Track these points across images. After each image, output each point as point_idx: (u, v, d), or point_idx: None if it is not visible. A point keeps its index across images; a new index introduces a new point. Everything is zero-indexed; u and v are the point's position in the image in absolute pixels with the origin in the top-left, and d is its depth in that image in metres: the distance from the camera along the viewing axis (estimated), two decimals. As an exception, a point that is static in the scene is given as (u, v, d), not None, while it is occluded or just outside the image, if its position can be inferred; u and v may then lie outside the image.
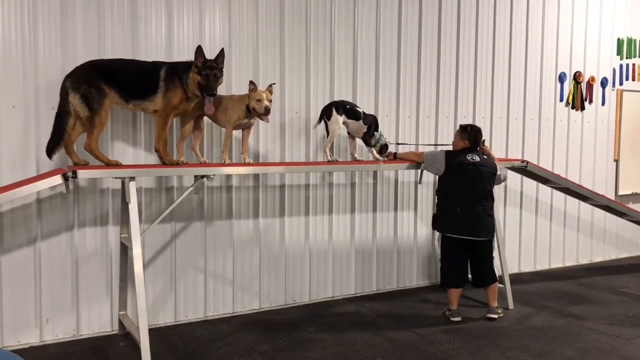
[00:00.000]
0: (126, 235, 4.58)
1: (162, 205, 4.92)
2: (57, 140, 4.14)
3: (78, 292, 4.67)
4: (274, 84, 4.82)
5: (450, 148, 5.36)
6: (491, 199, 5.09)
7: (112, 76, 4.16)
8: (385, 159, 5.30)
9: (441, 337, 4.75)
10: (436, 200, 5.36)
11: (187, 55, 4.82)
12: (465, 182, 5.00)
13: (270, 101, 4.49)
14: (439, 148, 5.72)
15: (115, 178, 4.41)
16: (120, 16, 4.66)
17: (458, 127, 5.37)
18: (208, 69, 4.22)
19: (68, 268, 4.62)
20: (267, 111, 4.43)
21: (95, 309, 4.74)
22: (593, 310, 5.47)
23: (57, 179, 3.91)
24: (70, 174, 3.92)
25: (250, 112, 4.51)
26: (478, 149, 5.19)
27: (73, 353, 4.37)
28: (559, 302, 5.74)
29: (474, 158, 5.07)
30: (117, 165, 4.23)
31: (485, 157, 5.19)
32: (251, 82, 4.52)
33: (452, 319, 5.17)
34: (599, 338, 4.72)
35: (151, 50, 4.77)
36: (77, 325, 4.68)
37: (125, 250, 4.64)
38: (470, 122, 6.45)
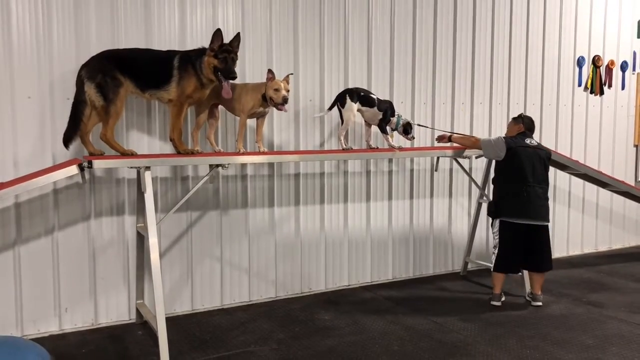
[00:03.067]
0: (142, 224, 4.59)
1: (177, 195, 4.93)
2: (73, 130, 4.15)
3: (96, 282, 4.70)
4: (292, 74, 4.78)
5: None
6: (547, 182, 5.16)
7: (127, 66, 4.16)
8: (413, 140, 5.40)
9: (458, 325, 4.72)
10: (493, 188, 5.36)
11: (201, 43, 4.79)
12: (528, 165, 5.04)
13: (288, 91, 4.46)
14: (455, 133, 5.69)
15: (131, 168, 4.41)
16: (133, 6, 4.64)
17: (510, 120, 5.47)
18: (225, 53, 4.20)
19: (85, 258, 4.65)
20: (285, 101, 4.41)
21: (113, 299, 4.78)
22: (612, 298, 5.40)
23: (73, 169, 3.93)
24: (85, 164, 3.93)
25: (266, 101, 4.48)
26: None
27: (92, 341, 4.41)
28: (578, 289, 5.68)
29: (532, 142, 5.17)
30: (132, 154, 4.23)
31: (536, 142, 5.23)
32: (269, 71, 4.49)
33: (493, 302, 5.19)
34: (619, 326, 4.66)
35: (164, 40, 4.75)
36: (95, 314, 4.72)
37: (141, 239, 4.66)
38: (487, 108, 6.39)
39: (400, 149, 5.24)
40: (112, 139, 4.19)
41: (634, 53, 7.46)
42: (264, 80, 4.53)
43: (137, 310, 4.77)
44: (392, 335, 4.50)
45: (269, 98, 4.45)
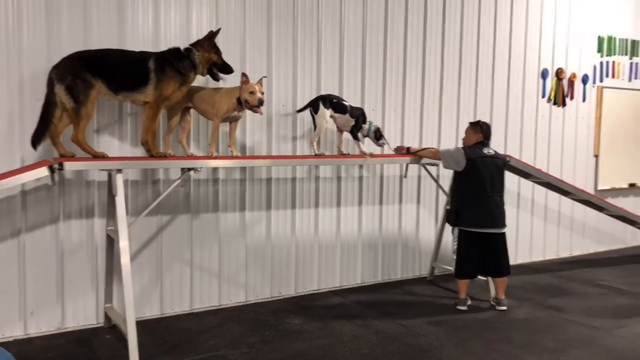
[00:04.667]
0: (113, 227, 4.55)
1: (148, 198, 4.90)
2: (42, 131, 4.10)
3: (63, 285, 4.64)
4: (265, 77, 4.83)
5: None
6: (504, 189, 5.32)
7: (99, 67, 4.13)
8: (384, 145, 5.44)
9: (426, 329, 4.81)
10: (451, 197, 5.49)
11: (173, 44, 4.79)
12: (487, 175, 5.15)
13: (263, 93, 4.50)
14: (427, 143, 5.83)
15: (102, 170, 4.37)
16: (106, 6, 4.61)
17: (468, 124, 5.51)
18: (217, 49, 4.40)
19: (53, 261, 4.59)
20: (260, 103, 4.45)
21: (81, 302, 4.71)
22: (573, 303, 5.59)
23: (43, 171, 3.89)
24: (56, 165, 3.90)
25: (240, 105, 4.51)
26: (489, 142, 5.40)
27: (58, 346, 4.35)
28: (540, 294, 5.85)
29: (489, 151, 5.26)
30: (104, 157, 4.20)
31: (493, 151, 5.34)
32: (243, 74, 4.52)
33: (458, 307, 5.31)
34: (579, 329, 4.82)
35: (138, 41, 4.73)
36: (62, 318, 4.65)
37: (111, 242, 4.62)
38: (454, 117, 6.54)
39: (372, 155, 5.33)
40: (83, 141, 4.15)
41: (594, 67, 7.74)
42: (238, 83, 4.57)
43: (106, 314, 4.72)
44: (362, 339, 4.57)
45: (244, 101, 4.48)
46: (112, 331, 4.65)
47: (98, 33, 4.59)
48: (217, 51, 4.44)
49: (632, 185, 8.17)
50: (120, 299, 4.80)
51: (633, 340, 4.57)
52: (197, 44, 4.42)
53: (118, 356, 4.15)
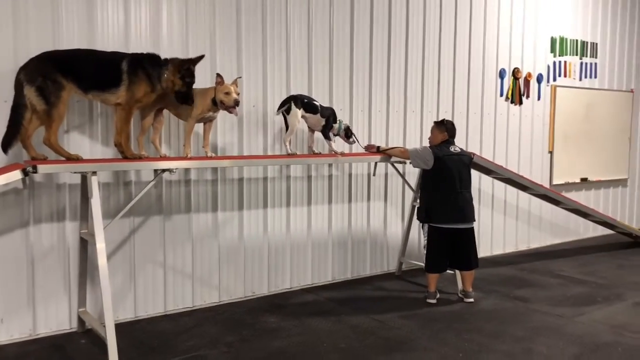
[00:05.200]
0: (86, 230, 4.50)
1: (120, 200, 4.85)
2: (13, 134, 4.01)
3: (34, 290, 4.54)
4: (240, 77, 4.85)
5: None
6: (471, 185, 5.51)
7: (69, 67, 4.06)
8: (354, 143, 5.55)
9: (399, 322, 4.94)
10: (420, 194, 5.64)
11: (144, 45, 4.78)
12: (455, 172, 5.32)
13: (239, 94, 4.53)
14: (393, 143, 5.97)
15: (75, 173, 4.31)
16: (75, 5, 4.53)
17: (433, 123, 5.66)
18: (190, 77, 4.28)
19: (23, 266, 4.49)
20: (236, 104, 4.47)
21: (53, 307, 4.63)
22: (535, 293, 5.84)
23: (17, 174, 3.80)
24: (30, 168, 3.82)
25: (215, 105, 4.52)
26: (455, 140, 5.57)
27: (32, 352, 4.26)
28: (504, 286, 6.08)
29: (455, 149, 5.43)
30: (78, 159, 4.15)
31: (459, 148, 5.52)
32: (218, 75, 4.54)
33: (428, 300, 5.46)
34: (543, 318, 5.05)
35: (108, 40, 4.67)
36: (34, 324, 4.55)
37: (84, 245, 4.56)
38: (419, 116, 6.71)
39: (343, 154, 5.42)
40: (56, 144, 4.08)
41: (548, 67, 8.07)
42: (210, 84, 4.58)
43: (80, 318, 4.65)
44: (338, 333, 4.66)
45: (219, 102, 4.49)
46: (86, 336, 4.58)
47: (67, 33, 4.51)
48: (185, 79, 4.28)
49: (583, 179, 8.57)
50: (94, 303, 4.75)
51: (594, 326, 4.83)
52: (171, 62, 4.34)
53: (96, 360, 4.11)
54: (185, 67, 4.27)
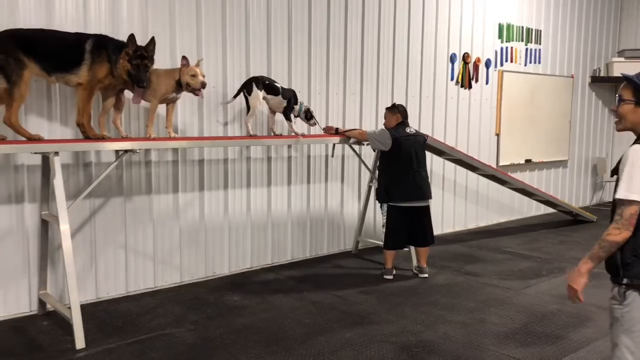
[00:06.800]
0: (47, 212, 4.45)
1: (80, 181, 4.81)
2: (-29, 114, 3.92)
3: (-8, 273, 4.47)
4: (202, 59, 4.86)
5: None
6: (426, 164, 5.71)
7: (32, 47, 4.00)
8: (315, 125, 5.67)
9: (359, 297, 5.13)
10: (379, 175, 5.79)
11: (103, 27, 4.72)
12: (411, 152, 5.51)
13: (204, 76, 4.55)
14: (351, 126, 6.14)
15: (36, 153, 4.25)
16: (31, -17, 4.44)
17: (385, 109, 5.83)
18: (139, 59, 4.21)
19: (-19, 248, 4.41)
20: (203, 86, 4.50)
21: (12, 290, 4.57)
22: (485, 268, 6.15)
23: (-24, 155, 3.73)
24: (-10, 148, 3.75)
25: (180, 87, 4.53)
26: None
27: (-7, 335, 4.21)
28: (456, 262, 6.37)
29: (410, 130, 5.62)
30: (39, 139, 4.09)
31: (414, 129, 5.70)
32: (184, 57, 4.54)
33: (385, 276, 5.66)
34: (494, 291, 5.35)
35: (66, 21, 4.59)
36: (-8, 307, 4.49)
37: (45, 227, 4.51)
38: (374, 99, 6.88)
39: (304, 135, 5.53)
40: (17, 124, 4.02)
41: (496, 52, 8.39)
42: (169, 65, 4.57)
43: (40, 301, 4.61)
44: (301, 309, 4.80)
45: (185, 84, 4.51)
46: (48, 318, 4.56)
47: (23, 10, 4.40)
48: (133, 62, 4.21)
49: (527, 161, 8.99)
50: (54, 285, 4.72)
51: (540, 297, 5.16)
52: (125, 46, 4.27)
53: (61, 341, 4.10)
54: (133, 50, 4.22)
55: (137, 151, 4.45)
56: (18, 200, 4.54)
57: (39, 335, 4.24)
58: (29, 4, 4.44)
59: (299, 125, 5.74)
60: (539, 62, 9.08)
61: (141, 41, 4.40)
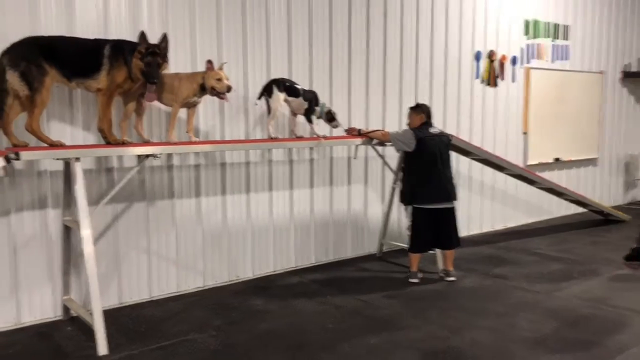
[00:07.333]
0: (69, 218, 4.46)
1: (102, 187, 4.81)
2: (-5, 120, 3.94)
3: (17, 279, 4.50)
4: (225, 62, 4.82)
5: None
6: (451, 165, 5.60)
7: (52, 53, 4.01)
8: (337, 127, 5.59)
9: (383, 301, 5.04)
10: (403, 177, 5.70)
11: (124, 32, 4.71)
12: (435, 152, 5.40)
13: (228, 79, 4.51)
14: (373, 127, 6.07)
15: (58, 159, 4.26)
16: (52, -10, 4.45)
17: (408, 109, 5.72)
18: (151, 56, 4.18)
19: (5, 255, 4.44)
20: (229, 90, 4.47)
21: (37, 296, 4.59)
22: (513, 271, 5.99)
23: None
24: (12, 155, 3.76)
25: (203, 91, 4.50)
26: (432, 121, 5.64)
27: (18, 341, 4.23)
28: (483, 265, 6.22)
29: (435, 130, 5.52)
30: (61, 145, 4.10)
31: (438, 129, 5.60)
32: (209, 61, 4.52)
33: (411, 280, 5.55)
34: (523, 295, 5.20)
35: (87, 26, 4.59)
36: (17, 313, 4.52)
37: (68, 233, 4.52)
38: (397, 99, 6.77)
39: (325, 137, 5.46)
40: (38, 130, 4.03)
41: (522, 49, 8.20)
42: (190, 68, 4.54)
43: (64, 306, 4.63)
44: (325, 314, 4.73)
45: (209, 88, 4.48)
46: (72, 323, 4.57)
47: (45, 17, 4.41)
48: (146, 58, 4.16)
49: (556, 159, 8.76)
50: (78, 290, 4.73)
51: (571, 301, 4.99)
52: (137, 46, 4.23)
53: (84, 347, 4.10)
54: (145, 48, 4.18)
55: (158, 156, 4.43)
56: (42, 206, 4.56)
57: (63, 340, 4.25)
58: (51, 11, 4.45)
59: (321, 127, 5.66)
60: (567, 59, 8.84)
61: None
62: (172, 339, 4.24)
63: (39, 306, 4.60)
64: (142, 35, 4.19)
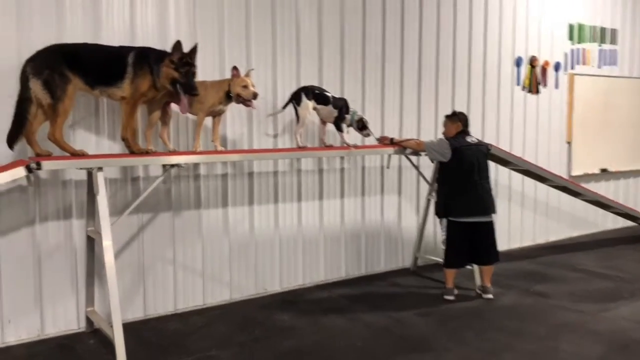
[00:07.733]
0: (93, 228, 4.38)
1: (127, 196, 4.73)
2: (18, 130, 3.92)
3: (41, 290, 4.44)
4: (253, 69, 4.70)
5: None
6: (489, 176, 5.34)
7: (76, 61, 3.94)
8: (369, 136, 5.38)
9: (416, 320, 4.79)
10: (438, 188, 5.48)
11: (150, 41, 4.63)
12: (473, 162, 5.16)
13: (254, 86, 4.38)
14: (407, 135, 5.83)
15: (81, 169, 4.19)
16: (79, -2, 4.41)
17: (444, 117, 5.50)
18: (187, 66, 4.05)
19: (30, 265, 4.39)
20: (255, 97, 4.34)
21: (60, 307, 4.52)
22: (556, 288, 5.65)
23: (20, 171, 3.69)
24: (34, 165, 3.70)
25: (229, 98, 4.38)
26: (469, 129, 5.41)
27: (40, 353, 4.17)
28: (524, 281, 5.90)
29: (472, 139, 5.28)
30: (83, 155, 4.02)
31: (476, 139, 5.37)
32: (234, 68, 4.41)
33: (446, 297, 5.30)
34: (566, 314, 4.87)
35: (113, 34, 4.54)
36: (41, 324, 4.45)
37: (92, 244, 4.45)
38: (433, 106, 6.53)
39: (356, 146, 5.26)
40: (61, 139, 3.96)
41: (566, 54, 7.84)
42: (218, 75, 4.43)
43: (88, 318, 4.55)
44: (353, 332, 4.51)
45: (235, 95, 4.36)
46: (95, 335, 4.48)
47: (71, 26, 4.38)
48: (181, 68, 4.03)
49: (603, 170, 8.33)
50: (102, 302, 4.64)
51: (620, 323, 4.65)
52: (167, 56, 4.11)
53: (104, 361, 4.00)
54: (179, 58, 4.07)
55: (183, 165, 4.31)
56: (66, 216, 4.51)
57: (84, 353, 4.17)
58: (77, 19, 4.41)
59: (352, 135, 5.47)
60: (615, 64, 8.42)
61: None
62: (193, 354, 4.11)
63: (62, 317, 4.54)
64: (178, 45, 4.06)
